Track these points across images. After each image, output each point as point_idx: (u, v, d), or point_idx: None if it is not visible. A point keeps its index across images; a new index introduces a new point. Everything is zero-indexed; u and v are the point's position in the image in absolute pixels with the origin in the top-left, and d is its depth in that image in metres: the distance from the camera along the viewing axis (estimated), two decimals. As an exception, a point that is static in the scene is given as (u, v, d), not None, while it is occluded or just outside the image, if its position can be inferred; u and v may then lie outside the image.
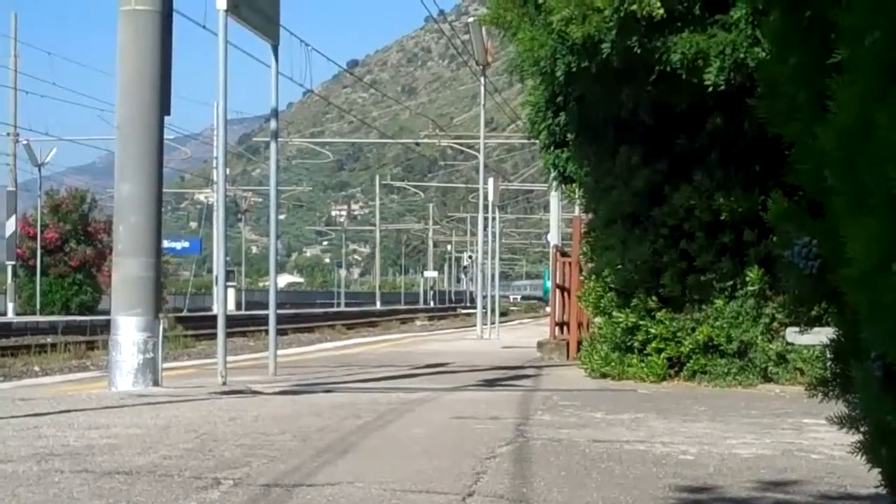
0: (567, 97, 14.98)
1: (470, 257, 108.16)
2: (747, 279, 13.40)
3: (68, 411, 9.94)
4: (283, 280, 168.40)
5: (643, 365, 14.07)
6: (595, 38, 12.15)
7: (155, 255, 12.86)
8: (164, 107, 12.99)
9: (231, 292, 72.33)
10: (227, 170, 14.55)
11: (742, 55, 11.87)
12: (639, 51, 12.24)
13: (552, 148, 16.81)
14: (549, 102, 15.72)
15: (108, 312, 13.13)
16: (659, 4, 11.97)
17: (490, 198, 35.91)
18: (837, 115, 3.22)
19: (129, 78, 12.89)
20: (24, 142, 63.22)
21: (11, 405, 10.56)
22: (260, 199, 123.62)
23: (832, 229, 3.49)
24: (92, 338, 34.73)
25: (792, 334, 12.95)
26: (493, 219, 36.70)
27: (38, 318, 53.63)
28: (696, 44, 12.12)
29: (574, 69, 12.86)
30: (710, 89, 12.11)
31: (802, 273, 4.19)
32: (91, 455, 7.06)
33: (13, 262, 58.46)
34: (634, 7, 11.91)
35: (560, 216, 42.06)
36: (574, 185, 18.45)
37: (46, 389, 13.01)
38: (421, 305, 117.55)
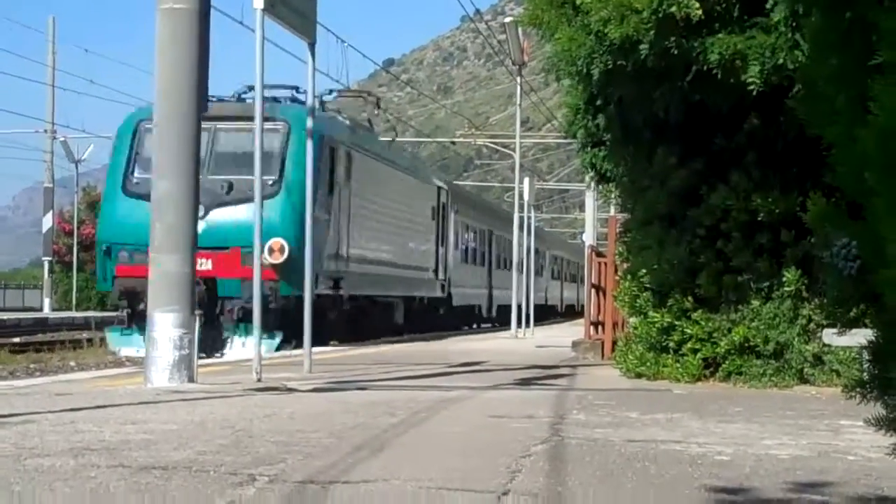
0: (604, 97, 14.97)
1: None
2: (784, 280, 13.37)
3: (104, 406, 9.98)
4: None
5: (678, 365, 14.03)
6: (633, 39, 12.14)
7: (191, 251, 12.88)
8: (200, 105, 13.03)
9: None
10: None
11: (782, 59, 11.82)
12: (676, 51, 12.22)
13: (589, 147, 16.80)
14: (586, 103, 15.72)
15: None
16: (697, 6, 11.95)
17: (525, 197, 35.91)
18: (879, 116, 3.22)
19: (168, 76, 12.92)
20: (62, 139, 63.60)
21: (48, 400, 10.61)
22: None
23: (872, 231, 3.48)
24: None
25: (829, 336, 12.89)
26: (529, 218, 36.67)
27: (73, 313, 53.94)
28: (733, 45, 12.09)
29: (611, 69, 12.85)
30: (753, 91, 12.07)
31: (841, 274, 4.18)
32: (127, 450, 7.08)
33: (50, 258, 58.80)
34: (673, 9, 11.90)
35: (595, 216, 42.08)
36: (610, 184, 18.44)
37: (82, 385, 13.07)
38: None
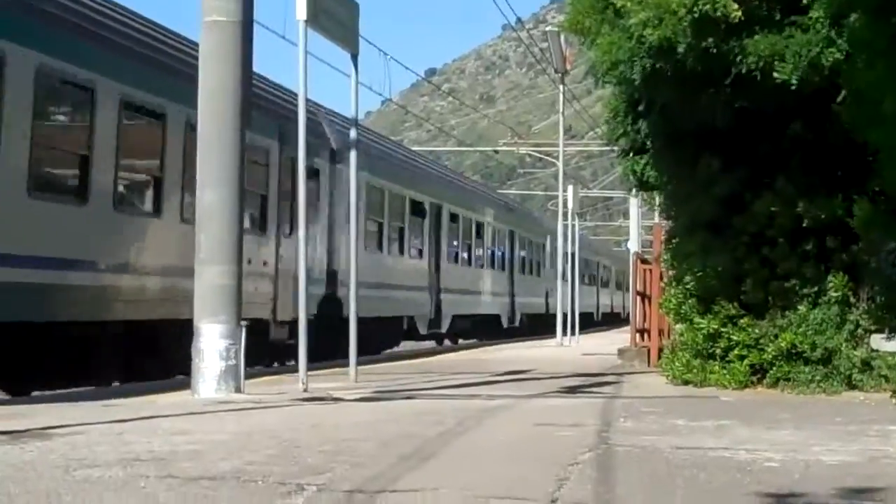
0: (647, 104, 14.94)
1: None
2: (831, 285, 13.31)
3: (152, 417, 10.01)
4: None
5: (725, 372, 13.98)
6: (671, 41, 12.13)
7: (237, 262, 12.90)
8: (244, 117, 13.08)
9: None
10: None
11: (816, 55, 11.79)
12: (714, 51, 12.20)
13: (631, 154, 16.77)
14: (628, 109, 15.70)
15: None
16: (736, 6, 11.93)
17: (569, 205, 35.87)
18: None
19: (212, 87, 12.97)
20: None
21: (96, 411, 10.65)
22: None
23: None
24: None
25: (877, 341, 12.84)
26: (573, 226, 36.59)
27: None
28: (771, 45, 12.06)
29: (652, 74, 12.85)
30: (794, 86, 12.03)
31: (889, 279, 4.16)
32: (175, 460, 7.10)
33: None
34: (707, 7, 11.88)
35: (640, 223, 41.91)
36: (654, 192, 18.42)
37: (130, 396, 13.12)
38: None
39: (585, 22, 13.49)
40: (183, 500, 5.79)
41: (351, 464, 7.04)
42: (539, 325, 45.58)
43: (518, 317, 45.29)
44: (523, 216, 49.82)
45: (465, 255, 39.10)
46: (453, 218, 36.66)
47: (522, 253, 46.89)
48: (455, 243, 37.47)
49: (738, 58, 12.21)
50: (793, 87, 12.07)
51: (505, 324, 43.49)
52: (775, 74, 12.07)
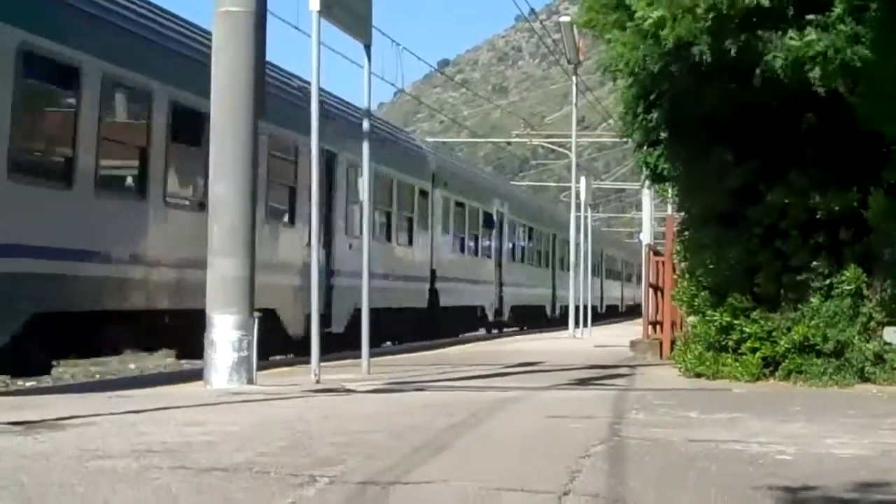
0: (659, 96, 14.92)
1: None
2: (844, 278, 13.29)
3: (165, 409, 10.03)
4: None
5: (738, 364, 13.97)
6: (686, 40, 12.11)
7: (249, 254, 12.92)
8: (257, 107, 13.08)
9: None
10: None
11: (846, 56, 11.72)
12: (734, 53, 12.18)
13: (644, 147, 16.75)
14: (640, 101, 15.67)
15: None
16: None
17: (582, 197, 35.84)
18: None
19: (224, 78, 12.99)
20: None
21: (109, 402, 10.68)
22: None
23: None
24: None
25: (890, 333, 12.82)
26: (586, 217, 36.59)
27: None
28: (796, 49, 12.00)
29: (665, 71, 12.84)
30: (823, 93, 12.03)
31: (903, 272, 4.15)
32: (188, 452, 7.11)
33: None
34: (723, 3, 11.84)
35: (652, 215, 41.91)
36: (666, 183, 18.40)
37: (142, 387, 13.15)
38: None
39: (598, 19, 13.48)
40: (196, 491, 5.80)
41: (363, 455, 7.04)
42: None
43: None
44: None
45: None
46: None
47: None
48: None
49: (761, 59, 12.17)
50: (822, 95, 12.08)
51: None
52: (808, 76, 12.01)
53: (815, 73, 11.91)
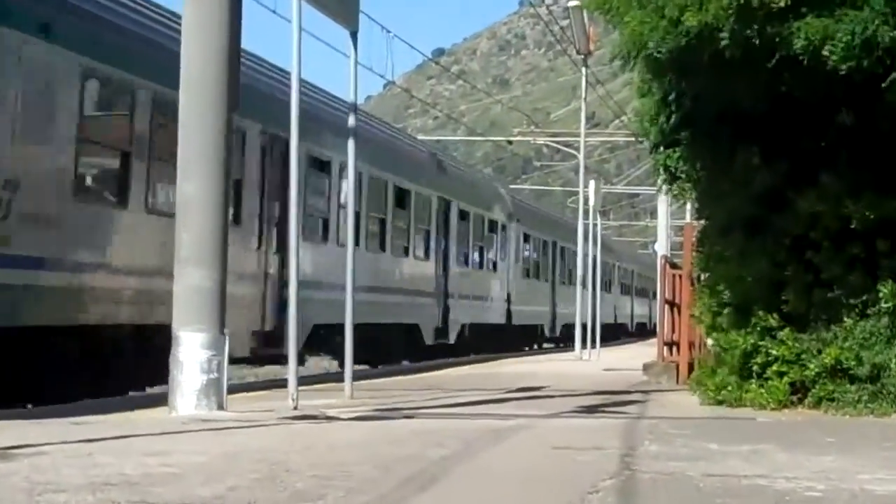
0: (679, 92, 14.93)
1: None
2: (880, 295, 13.28)
3: (125, 437, 10.01)
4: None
5: (763, 390, 13.95)
6: (712, 27, 12.14)
7: (221, 263, 12.84)
8: (231, 101, 13.04)
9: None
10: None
11: (872, 33, 11.76)
12: (758, 41, 12.20)
13: (663, 147, 16.75)
14: (659, 97, 15.68)
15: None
16: None
17: (591, 202, 35.83)
18: None
19: (194, 66, 12.91)
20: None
21: (64, 429, 10.66)
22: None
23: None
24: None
25: (931, 357, 12.80)
26: (595, 225, 36.59)
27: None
28: (823, 28, 12.03)
29: (686, 60, 12.85)
30: (843, 72, 12.02)
31: (945, 289, 4.16)
32: (150, 485, 7.11)
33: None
34: None
35: (669, 223, 41.89)
36: (687, 185, 18.40)
37: (101, 412, 13.13)
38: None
39: (612, 2, 13.47)
40: (158, 529, 5.80)
41: (346, 489, 7.05)
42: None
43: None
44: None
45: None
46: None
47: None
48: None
49: (784, 43, 12.19)
50: (842, 72, 12.06)
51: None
52: (825, 53, 12.02)
53: (837, 49, 11.92)
